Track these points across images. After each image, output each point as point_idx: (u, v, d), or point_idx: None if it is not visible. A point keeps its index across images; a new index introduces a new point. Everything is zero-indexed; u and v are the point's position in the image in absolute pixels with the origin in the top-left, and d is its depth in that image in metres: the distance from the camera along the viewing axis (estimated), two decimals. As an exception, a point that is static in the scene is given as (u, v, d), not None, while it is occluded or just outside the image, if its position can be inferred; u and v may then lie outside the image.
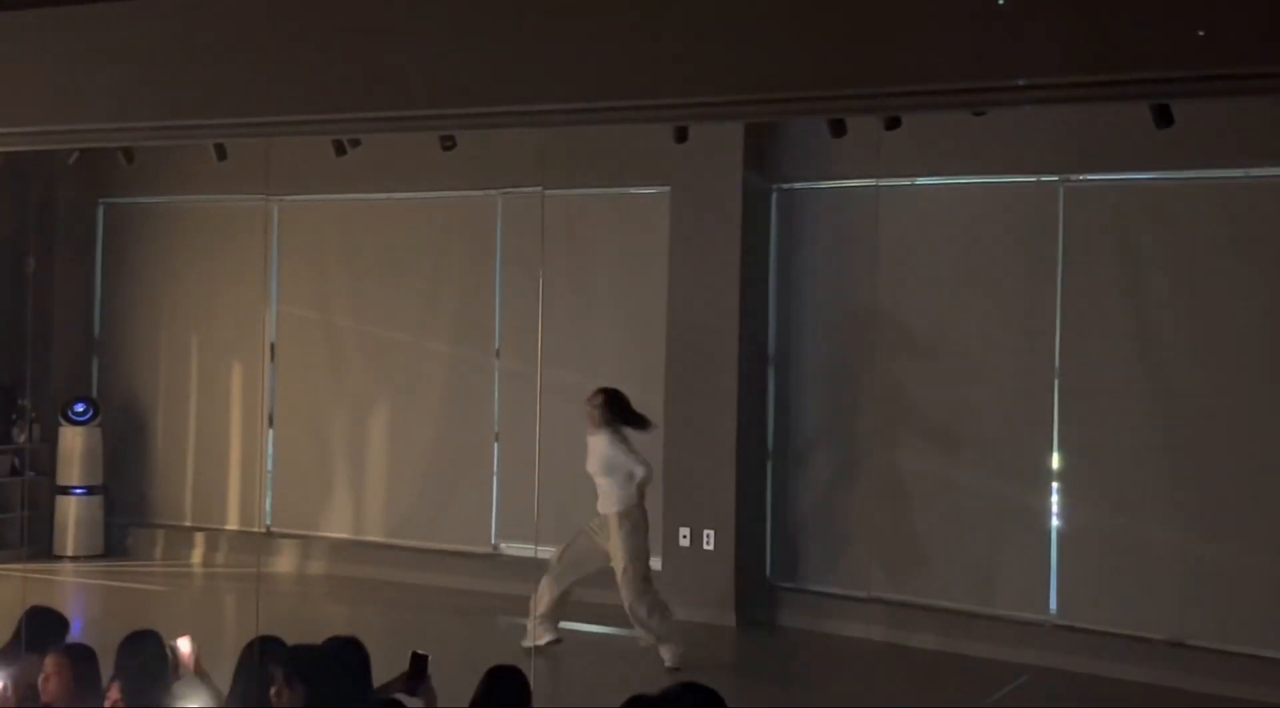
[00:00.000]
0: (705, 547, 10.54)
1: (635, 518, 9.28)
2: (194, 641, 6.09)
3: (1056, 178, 9.73)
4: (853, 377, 10.47)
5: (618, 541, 9.25)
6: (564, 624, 9.56)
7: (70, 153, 11.02)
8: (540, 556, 9.89)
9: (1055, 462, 9.73)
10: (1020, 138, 9.58)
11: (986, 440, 9.97)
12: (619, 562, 9.27)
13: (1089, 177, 9.67)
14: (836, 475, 10.50)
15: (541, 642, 9.34)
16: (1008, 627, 9.73)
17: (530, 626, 9.43)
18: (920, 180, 10.29)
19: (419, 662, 5.90)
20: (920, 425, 10.20)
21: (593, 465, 9.38)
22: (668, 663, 9.21)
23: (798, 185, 10.71)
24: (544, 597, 9.44)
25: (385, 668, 6.02)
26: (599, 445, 9.36)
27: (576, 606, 9.71)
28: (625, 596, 9.26)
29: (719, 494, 10.50)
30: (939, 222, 10.24)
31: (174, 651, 6.02)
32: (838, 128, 8.51)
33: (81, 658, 5.81)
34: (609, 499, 9.31)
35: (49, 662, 5.73)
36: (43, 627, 6.18)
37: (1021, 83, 5.99)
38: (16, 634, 6.16)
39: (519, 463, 11.28)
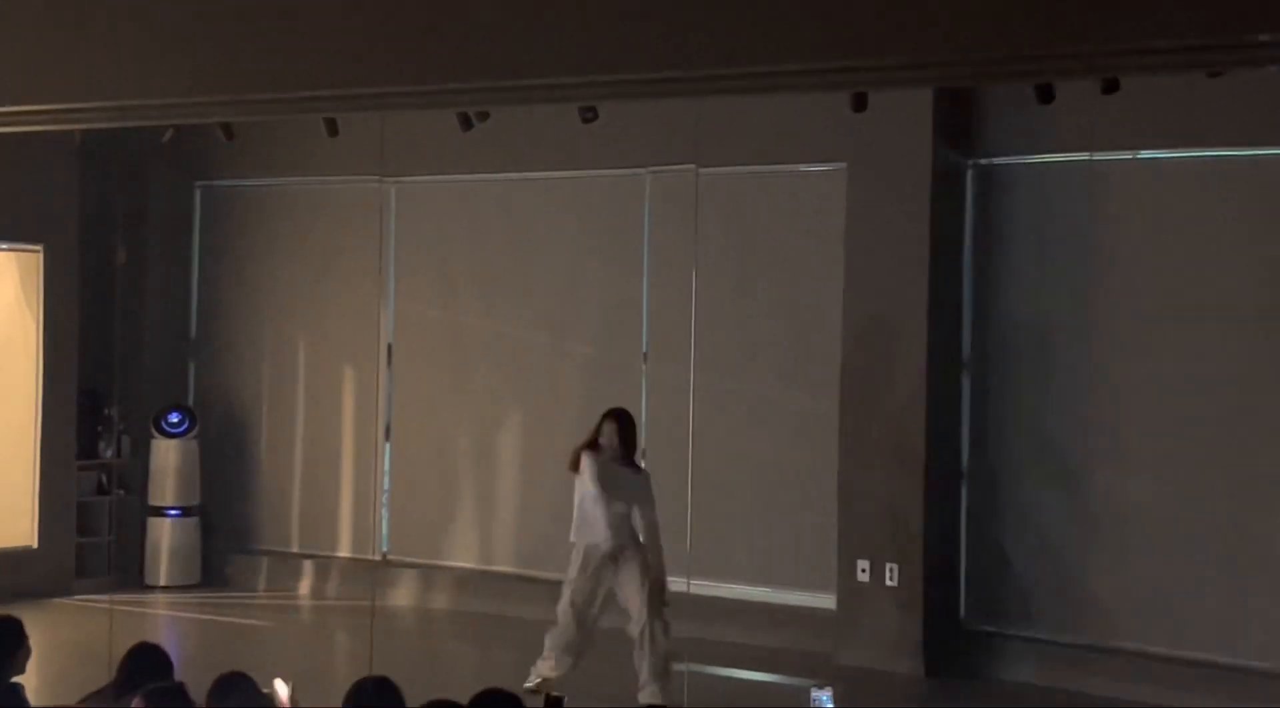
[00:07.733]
0: (888, 583, 10.48)
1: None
2: (288, 683, 6.19)
3: (1309, 149, 9.56)
4: (1062, 384, 10.33)
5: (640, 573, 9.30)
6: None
7: (164, 130, 11.24)
8: (695, 590, 9.86)
9: (1309, 487, 9.55)
10: (1262, 103, 9.39)
11: (1226, 462, 9.82)
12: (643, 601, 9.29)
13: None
14: (1044, 501, 10.39)
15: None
16: (1254, 679, 9.56)
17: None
18: (1143, 153, 10.16)
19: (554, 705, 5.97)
20: (1144, 442, 10.05)
21: (610, 493, 9.34)
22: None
23: (997, 160, 10.64)
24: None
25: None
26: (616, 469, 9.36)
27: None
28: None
29: (904, 522, 10.44)
30: (1165, 201, 10.12)
31: (269, 695, 6.12)
32: (1045, 93, 8.41)
33: (172, 701, 5.91)
34: (628, 529, 9.34)
35: (135, 703, 5.85)
36: (144, 665, 6.32)
37: (1264, 38, 5.87)
38: (119, 674, 6.32)
39: (670, 483, 11.26)
